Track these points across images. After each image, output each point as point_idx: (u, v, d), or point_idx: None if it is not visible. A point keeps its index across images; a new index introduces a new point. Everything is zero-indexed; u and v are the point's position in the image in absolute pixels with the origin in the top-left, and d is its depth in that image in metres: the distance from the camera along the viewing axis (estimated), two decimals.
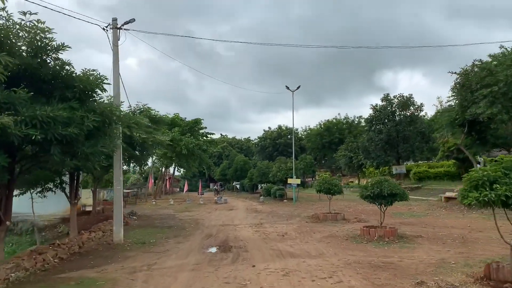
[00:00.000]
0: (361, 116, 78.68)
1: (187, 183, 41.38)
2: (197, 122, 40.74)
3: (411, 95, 37.26)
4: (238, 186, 64.47)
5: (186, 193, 44.52)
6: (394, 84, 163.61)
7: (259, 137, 79.33)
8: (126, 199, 38.64)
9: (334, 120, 77.21)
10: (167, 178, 71.43)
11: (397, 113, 37.05)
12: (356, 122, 77.03)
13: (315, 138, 76.87)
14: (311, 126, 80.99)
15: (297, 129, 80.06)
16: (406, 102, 36.78)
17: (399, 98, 37.62)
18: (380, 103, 38.26)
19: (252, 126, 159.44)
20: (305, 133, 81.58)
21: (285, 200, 34.93)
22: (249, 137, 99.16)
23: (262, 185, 52.04)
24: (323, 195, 22.04)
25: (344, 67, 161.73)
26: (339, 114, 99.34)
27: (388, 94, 38.30)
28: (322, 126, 76.44)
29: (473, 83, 25.16)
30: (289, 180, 31.94)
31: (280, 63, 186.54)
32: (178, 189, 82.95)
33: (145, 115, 24.28)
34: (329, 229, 16.18)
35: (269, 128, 79.85)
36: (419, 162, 45.64)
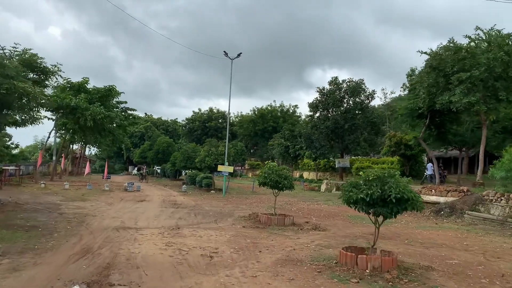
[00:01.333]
0: (297, 105, 75.06)
1: (89, 164, 33.28)
2: (110, 90, 33.29)
3: (362, 80, 33.19)
4: (159, 170, 57.22)
5: (87, 176, 36.63)
6: (323, 82, 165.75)
7: (187, 119, 72.43)
8: (9, 178, 30.28)
9: (269, 107, 72.60)
10: (76, 157, 62.11)
11: (346, 99, 32.78)
12: (291, 111, 73.17)
13: (248, 124, 71.72)
14: (244, 113, 75.60)
15: (230, 113, 74.27)
16: (356, 87, 32.59)
17: (348, 83, 33.37)
18: (327, 87, 33.77)
19: (182, 111, 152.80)
20: (237, 119, 76.03)
21: (212, 191, 29.12)
22: (177, 118, 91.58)
23: (187, 171, 45.72)
24: (257, 187, 16.65)
25: (277, 61, 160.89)
26: (274, 101, 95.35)
27: (336, 77, 33.93)
28: (256, 112, 71.46)
29: (448, 65, 21.10)
30: (220, 168, 26.17)
31: (213, 48, 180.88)
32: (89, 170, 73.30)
33: (22, 61, 17.16)
34: (281, 243, 10.70)
35: (199, 109, 73.31)
36: (359, 156, 42.31)
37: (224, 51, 26.53)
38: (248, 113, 74.49)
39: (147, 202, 21.32)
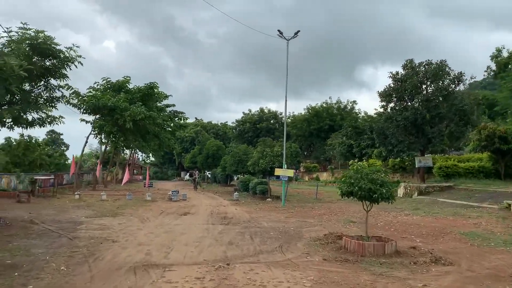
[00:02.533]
0: (355, 101, 69.11)
1: (128, 171, 29.57)
2: (152, 88, 29.91)
3: (445, 61, 27.37)
4: (209, 175, 53.81)
5: (126, 185, 33.34)
6: (375, 80, 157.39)
7: (237, 120, 68.78)
8: (47, 188, 27.63)
9: (324, 105, 67.26)
10: (128, 163, 60.39)
11: (426, 84, 27.12)
12: (349, 108, 67.37)
13: (302, 124, 66.77)
14: (296, 114, 70.71)
15: (281, 113, 69.77)
16: (438, 70, 26.84)
17: (427, 66, 27.70)
18: (401, 71, 28.28)
19: (231, 116, 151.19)
20: (290, 119, 71.32)
21: (268, 199, 24.68)
22: (226, 122, 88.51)
23: (238, 176, 41.69)
24: (322, 193, 12.03)
25: (325, 61, 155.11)
26: (330, 97, 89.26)
27: (412, 59, 28.35)
28: (310, 111, 66.38)
29: None
30: (277, 171, 21.67)
31: (262, 52, 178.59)
32: (141, 177, 71.67)
33: (34, 46, 13.70)
34: None
35: (249, 110, 69.38)
36: (437, 154, 36.13)
37: (279, 30, 22.15)
38: (301, 113, 69.66)
39: (191, 216, 17.23)
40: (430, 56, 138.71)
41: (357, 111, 66.88)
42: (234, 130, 70.64)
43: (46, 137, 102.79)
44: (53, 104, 15.93)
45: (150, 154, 63.61)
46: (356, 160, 42.46)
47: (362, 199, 10.32)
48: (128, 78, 30.88)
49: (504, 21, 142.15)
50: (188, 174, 77.96)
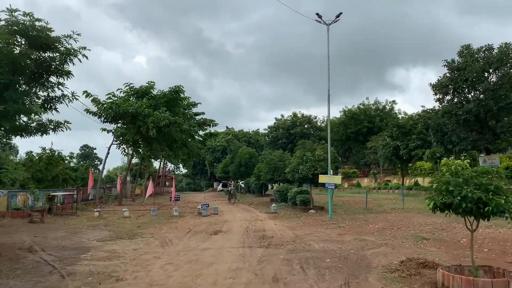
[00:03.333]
0: (394, 100, 64.74)
1: (152, 184, 25.98)
2: (177, 91, 27.45)
3: (510, 44, 23.50)
4: (243, 185, 50.98)
5: (150, 198, 30.56)
6: (407, 82, 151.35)
7: (269, 127, 65.81)
8: (65, 205, 25.54)
9: (361, 106, 63.39)
10: (158, 175, 58.60)
11: (491, 72, 23.30)
12: (388, 108, 63.21)
13: (338, 128, 63.11)
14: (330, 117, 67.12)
15: (315, 117, 66.37)
16: (503, 55, 22.99)
17: (487, 51, 23.93)
18: (457, 59, 24.58)
19: (262, 125, 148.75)
20: (324, 124, 67.69)
21: (311, 211, 21.48)
22: (258, 129, 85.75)
23: (274, 184, 38.66)
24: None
25: (356, 65, 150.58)
26: (367, 98, 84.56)
27: (469, 45, 24.61)
28: (347, 113, 62.67)
29: None
30: (322, 178, 18.43)
31: (290, 60, 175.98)
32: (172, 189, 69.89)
33: (29, 38, 11.33)
34: None
35: (282, 116, 66.27)
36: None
37: (317, 14, 19.12)
38: (335, 117, 65.92)
39: (223, 236, 14.32)
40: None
41: (396, 111, 62.70)
42: (266, 137, 67.73)
43: (79, 152, 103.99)
44: (52, 106, 13.53)
45: (180, 165, 61.45)
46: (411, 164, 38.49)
47: (466, 215, 7.09)
48: (152, 83, 28.61)
49: None
50: (220, 184, 75.62)
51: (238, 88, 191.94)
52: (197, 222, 18.85)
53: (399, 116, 62.67)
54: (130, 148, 27.17)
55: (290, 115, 64.99)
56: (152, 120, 23.63)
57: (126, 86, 27.70)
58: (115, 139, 25.55)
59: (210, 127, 32.67)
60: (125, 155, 26.82)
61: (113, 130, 24.82)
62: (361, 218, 18.58)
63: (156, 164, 55.84)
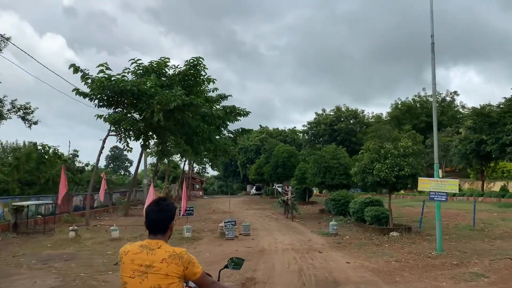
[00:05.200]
0: (456, 91, 55.57)
1: (153, 189, 18.57)
2: (195, 65, 20.50)
3: None
4: (280, 190, 43.57)
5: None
6: (447, 81, 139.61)
7: (309, 123, 58.09)
8: (47, 218, 19.22)
9: (416, 98, 54.82)
10: (186, 178, 52.24)
11: None
12: (448, 100, 54.27)
13: (389, 123, 54.80)
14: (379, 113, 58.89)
15: (362, 111, 58.18)
16: None
17: None
18: None
19: (297, 126, 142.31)
20: (373, 119, 59.44)
21: (394, 233, 13.87)
22: (295, 127, 78.13)
23: (324, 190, 31.30)
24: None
25: (393, 64, 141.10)
26: (423, 89, 73.85)
27: None
28: (400, 106, 54.25)
29: None
30: (424, 184, 10.74)
31: (325, 60, 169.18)
32: (201, 193, 63.31)
33: None
34: None
35: (323, 110, 58.39)
36: None
37: None
38: (384, 113, 57.61)
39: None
40: (506, 52, 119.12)
41: (458, 103, 53.70)
42: (305, 135, 60.04)
43: (109, 153, 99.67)
44: None
45: (206, 165, 54.76)
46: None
47: None
48: (166, 59, 21.82)
49: None
50: (254, 188, 68.54)
51: (271, 90, 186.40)
52: (216, 252, 11.74)
53: (462, 110, 53.81)
54: (137, 141, 20.31)
55: (333, 109, 57.04)
56: (158, 101, 16.82)
57: (133, 63, 21.02)
58: (111, 129, 18.88)
59: (240, 116, 25.36)
60: (127, 150, 20.13)
61: (105, 116, 18.11)
62: (489, 250, 10.93)
63: (186, 166, 49.46)
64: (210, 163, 48.39)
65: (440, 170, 10.81)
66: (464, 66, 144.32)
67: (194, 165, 51.40)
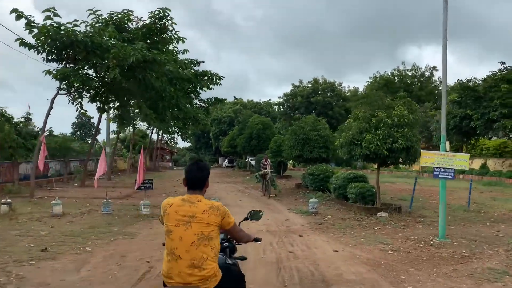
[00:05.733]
0: (435, 67, 54.53)
1: (105, 160, 15.74)
2: (161, 18, 17.82)
3: None
4: (253, 163, 41.76)
5: (102, 177, 19.41)
6: (419, 60, 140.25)
7: (285, 94, 55.99)
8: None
9: (395, 72, 53.52)
10: (154, 148, 49.70)
11: None
12: (427, 75, 53.18)
13: (368, 98, 53.43)
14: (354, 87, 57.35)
15: (340, 84, 56.52)
16: None
17: None
18: None
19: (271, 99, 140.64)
20: (349, 93, 57.93)
21: (382, 214, 12.20)
22: (270, 99, 75.87)
23: (297, 164, 29.67)
24: None
25: (368, 41, 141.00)
26: (403, 63, 71.77)
27: None
28: (378, 80, 52.84)
29: None
30: (428, 158, 8.96)
31: (301, 34, 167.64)
32: (170, 164, 60.86)
33: None
34: None
35: (300, 82, 56.32)
36: None
37: None
38: (357, 88, 56.15)
39: None
40: (480, 34, 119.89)
41: (437, 79, 52.68)
42: (281, 107, 58.04)
43: (76, 120, 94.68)
44: None
45: (175, 135, 52.07)
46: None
47: None
48: (129, 12, 18.95)
49: None
50: (226, 160, 66.57)
51: (246, 62, 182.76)
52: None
53: (439, 86, 52.83)
54: (93, 103, 17.59)
55: (310, 81, 55.03)
56: (115, 55, 14.28)
57: (91, 14, 18.03)
58: (60, 87, 16.19)
59: (212, 82, 22.97)
60: (81, 112, 17.52)
61: (53, 72, 15.38)
62: (497, 236, 9.35)
63: (155, 135, 46.66)
64: (179, 133, 45.75)
65: (447, 143, 8.85)
66: (437, 45, 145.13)
67: (163, 135, 48.67)
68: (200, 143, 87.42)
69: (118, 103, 18.58)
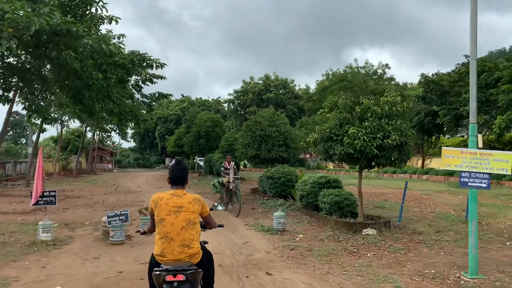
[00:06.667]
0: (387, 64, 53.74)
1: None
2: None
3: None
4: (202, 164, 38.21)
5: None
6: (363, 62, 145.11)
7: (235, 91, 52.89)
8: None
9: (348, 69, 52.16)
10: (92, 148, 44.72)
11: None
12: (380, 72, 52.32)
13: (320, 95, 51.75)
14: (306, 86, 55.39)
15: (292, 81, 54.30)
16: None
17: None
18: None
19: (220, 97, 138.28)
20: (300, 92, 55.98)
21: (368, 231, 9.40)
22: (219, 97, 72.26)
23: (249, 165, 26.66)
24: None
25: (315, 43, 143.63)
26: (355, 60, 70.39)
27: None
28: (332, 78, 51.15)
29: None
30: (449, 160, 6.24)
31: (250, 35, 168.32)
32: (110, 166, 55.66)
33: None
34: None
35: (251, 78, 53.45)
36: None
37: None
38: (314, 83, 54.30)
39: None
40: (416, 38, 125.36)
41: (390, 77, 51.92)
42: (231, 104, 54.85)
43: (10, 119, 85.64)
44: None
45: (114, 133, 47.16)
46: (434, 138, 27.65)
47: None
48: None
49: (492, 1, 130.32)
50: (173, 161, 62.40)
51: (194, 62, 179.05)
52: (78, 279, 6.26)
53: (392, 83, 52.20)
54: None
55: (262, 77, 52.32)
56: (11, 21, 10.47)
57: None
58: None
59: (152, 68, 19.30)
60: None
61: None
62: None
63: (95, 135, 41.63)
64: (117, 131, 41.14)
65: (480, 136, 6.16)
66: (379, 48, 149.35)
67: (100, 133, 43.70)
68: (145, 143, 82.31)
69: (24, 90, 14.47)
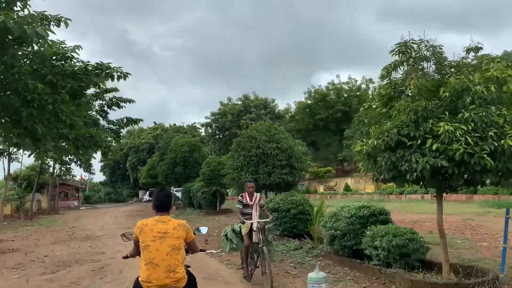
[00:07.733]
0: (371, 79, 51.24)
1: None
2: None
3: None
4: (179, 195, 33.65)
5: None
6: (345, 78, 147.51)
7: (213, 114, 48.99)
8: None
9: (330, 85, 49.38)
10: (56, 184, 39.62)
11: None
12: (363, 87, 49.77)
13: (303, 114, 48.67)
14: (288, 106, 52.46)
15: (273, 100, 50.98)
16: None
17: None
18: None
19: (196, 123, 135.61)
20: (281, 111, 52.83)
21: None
22: (195, 123, 68.08)
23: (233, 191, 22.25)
24: None
25: (286, 69, 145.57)
26: (337, 76, 65.48)
27: None
28: (314, 95, 48.20)
29: None
30: None
31: (221, 63, 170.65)
32: (76, 204, 50.02)
33: None
34: None
35: (229, 99, 49.80)
36: None
37: None
38: (295, 103, 51.17)
39: None
40: (381, 61, 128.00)
41: (373, 89, 49.46)
42: (208, 128, 50.85)
43: None
44: None
45: (74, 164, 41.80)
46: None
47: None
48: None
49: (452, 19, 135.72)
50: (147, 193, 57.26)
51: (166, 91, 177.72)
52: None
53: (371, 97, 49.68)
54: None
55: (241, 97, 48.81)
56: None
57: None
58: None
59: (113, 79, 15.22)
60: None
61: None
62: None
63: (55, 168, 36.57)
64: (77, 161, 35.93)
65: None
66: (347, 71, 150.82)
67: (60, 166, 38.52)
68: (115, 175, 76.99)
69: None
